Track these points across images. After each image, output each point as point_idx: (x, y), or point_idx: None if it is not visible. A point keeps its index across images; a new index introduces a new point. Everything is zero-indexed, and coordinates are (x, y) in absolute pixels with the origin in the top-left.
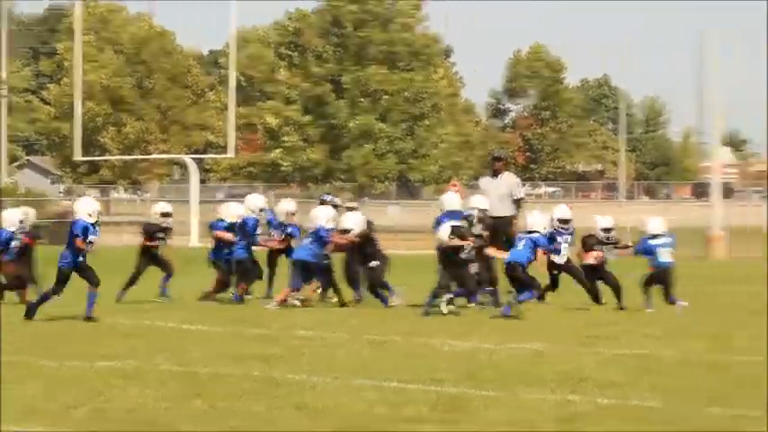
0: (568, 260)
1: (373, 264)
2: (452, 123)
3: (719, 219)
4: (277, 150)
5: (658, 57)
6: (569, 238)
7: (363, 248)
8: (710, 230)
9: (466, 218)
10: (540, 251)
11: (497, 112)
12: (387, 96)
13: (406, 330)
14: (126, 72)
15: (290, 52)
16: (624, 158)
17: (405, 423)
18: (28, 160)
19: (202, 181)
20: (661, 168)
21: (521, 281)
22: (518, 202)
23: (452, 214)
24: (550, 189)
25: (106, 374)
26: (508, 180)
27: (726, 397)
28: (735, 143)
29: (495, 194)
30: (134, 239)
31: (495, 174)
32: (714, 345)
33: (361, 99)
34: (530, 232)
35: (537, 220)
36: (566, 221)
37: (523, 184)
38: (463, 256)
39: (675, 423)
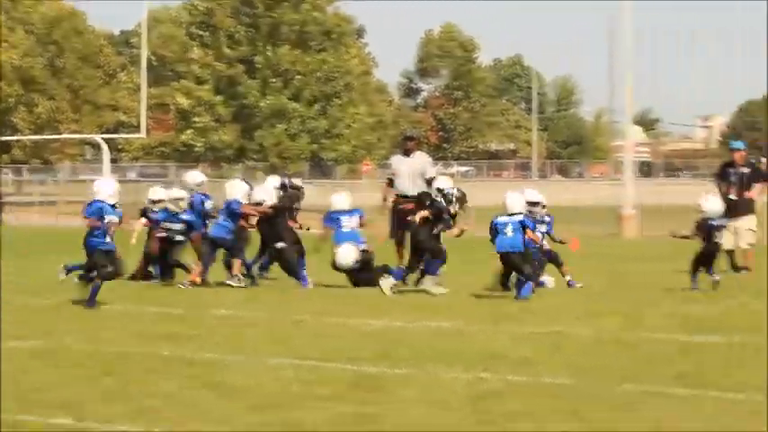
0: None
1: (280, 245)
2: (365, 103)
3: (631, 197)
4: (189, 131)
5: (570, 36)
6: (543, 226)
7: (274, 226)
8: (622, 209)
9: (444, 195)
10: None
11: (410, 92)
12: (299, 76)
13: (321, 309)
14: (37, 52)
15: (201, 32)
16: (536, 138)
17: (321, 401)
18: None
19: (114, 161)
20: (573, 147)
21: (518, 268)
22: (430, 182)
23: None
24: (463, 168)
25: (16, 354)
26: (420, 159)
27: (637, 374)
28: (646, 122)
29: (406, 174)
30: (44, 219)
31: (407, 153)
32: (626, 323)
33: (273, 79)
34: (511, 215)
35: (516, 202)
36: (534, 204)
37: (436, 164)
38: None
39: (587, 400)
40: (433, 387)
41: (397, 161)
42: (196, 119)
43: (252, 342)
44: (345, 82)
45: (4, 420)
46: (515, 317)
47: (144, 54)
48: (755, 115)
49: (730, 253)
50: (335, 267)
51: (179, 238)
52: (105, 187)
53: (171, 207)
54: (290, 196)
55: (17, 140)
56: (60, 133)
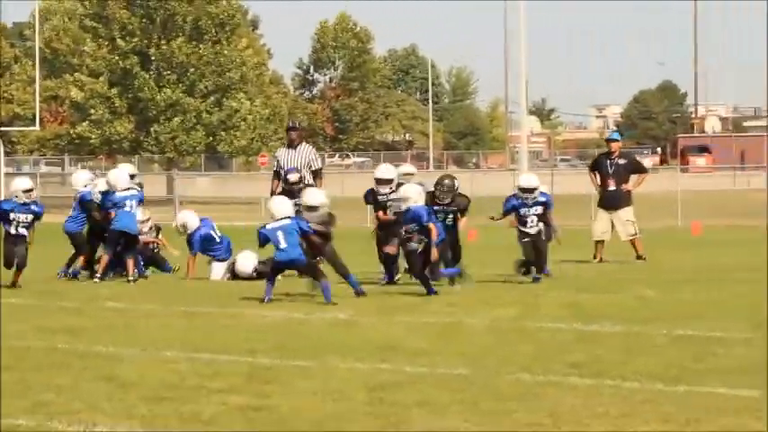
0: (539, 232)
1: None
2: (260, 95)
3: None
4: (84, 123)
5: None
6: (538, 208)
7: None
8: None
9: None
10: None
11: (305, 83)
12: (193, 69)
13: (220, 302)
14: None
15: (95, 24)
16: (433, 128)
17: (216, 394)
18: None
19: (8, 153)
20: (470, 138)
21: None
22: (317, 173)
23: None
24: (360, 159)
25: None
26: (305, 151)
27: (533, 363)
28: (542, 112)
29: (292, 165)
30: None
31: (291, 144)
32: (522, 312)
33: (168, 72)
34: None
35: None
36: (528, 190)
37: (333, 155)
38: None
39: (483, 390)
40: (329, 378)
41: (283, 154)
42: (91, 111)
43: (146, 335)
44: (240, 74)
45: None
46: (410, 308)
47: (37, 46)
48: (649, 105)
49: (601, 243)
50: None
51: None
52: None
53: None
54: None
55: None
56: None
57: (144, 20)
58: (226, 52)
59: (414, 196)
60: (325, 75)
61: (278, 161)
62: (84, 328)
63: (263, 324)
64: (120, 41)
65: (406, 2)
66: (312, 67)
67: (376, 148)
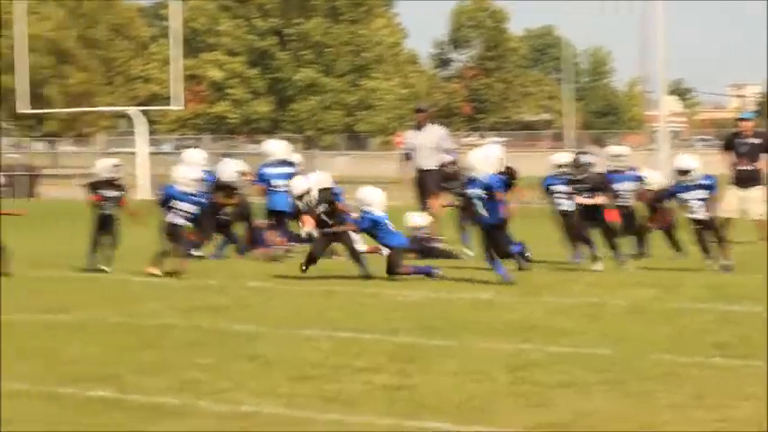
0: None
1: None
2: (397, 74)
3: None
4: (223, 103)
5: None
6: (700, 192)
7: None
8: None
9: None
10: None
11: (442, 63)
12: (330, 49)
13: (354, 281)
14: (69, 24)
15: (231, 3)
16: (570, 108)
17: (359, 373)
18: None
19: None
20: (608, 117)
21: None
22: (449, 153)
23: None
24: (498, 139)
25: (54, 327)
26: (434, 131)
27: (675, 344)
28: (679, 92)
29: (421, 147)
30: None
31: (420, 126)
32: (663, 293)
33: (305, 51)
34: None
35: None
36: (684, 172)
37: (468, 134)
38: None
39: (625, 370)
40: (471, 358)
41: (411, 135)
42: (230, 90)
43: (287, 313)
44: (377, 53)
45: (45, 393)
46: (551, 288)
47: (179, 24)
48: None
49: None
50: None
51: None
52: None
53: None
54: None
55: (49, 113)
56: (94, 105)
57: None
58: (362, 31)
59: (478, 165)
60: (462, 54)
61: (407, 143)
62: (225, 307)
63: (404, 303)
64: (257, 21)
65: None
66: (449, 47)
67: (513, 128)
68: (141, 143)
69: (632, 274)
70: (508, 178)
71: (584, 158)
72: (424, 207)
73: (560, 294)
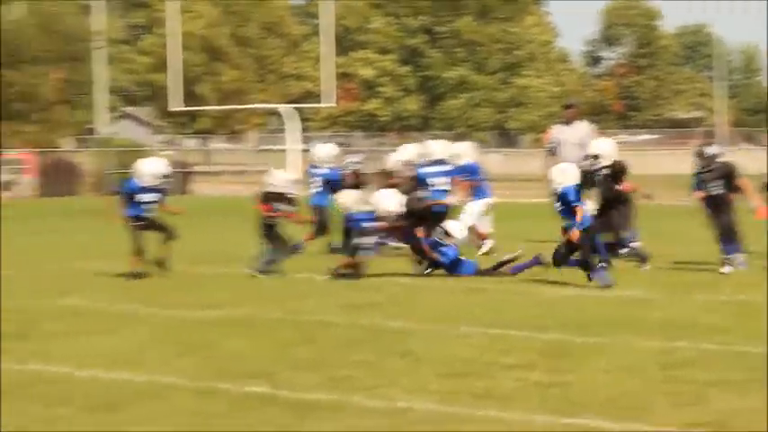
0: None
1: None
2: (548, 72)
3: None
4: (375, 100)
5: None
6: None
7: None
8: None
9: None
10: None
11: (593, 61)
12: (481, 47)
13: (500, 279)
14: (221, 22)
15: (382, 1)
16: (722, 105)
17: (511, 370)
18: (127, 111)
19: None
20: (760, 115)
21: None
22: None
23: None
24: (649, 136)
25: (213, 323)
26: (581, 128)
27: None
28: None
29: (568, 143)
30: (233, 188)
31: (568, 122)
32: None
33: (456, 50)
34: None
35: None
36: None
37: (619, 132)
38: None
39: None
40: (623, 355)
41: (558, 131)
42: (381, 89)
43: (439, 310)
44: (528, 51)
45: (202, 388)
46: (704, 285)
47: (331, 23)
48: None
49: None
50: None
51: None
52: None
53: None
54: None
55: (202, 110)
56: (246, 103)
57: None
58: (513, 29)
59: (558, 177)
60: (613, 51)
61: (552, 138)
62: (381, 304)
63: (553, 300)
64: (408, 19)
65: None
66: (600, 45)
67: (664, 126)
68: (292, 140)
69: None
70: (615, 172)
71: (710, 150)
72: None
73: (711, 292)
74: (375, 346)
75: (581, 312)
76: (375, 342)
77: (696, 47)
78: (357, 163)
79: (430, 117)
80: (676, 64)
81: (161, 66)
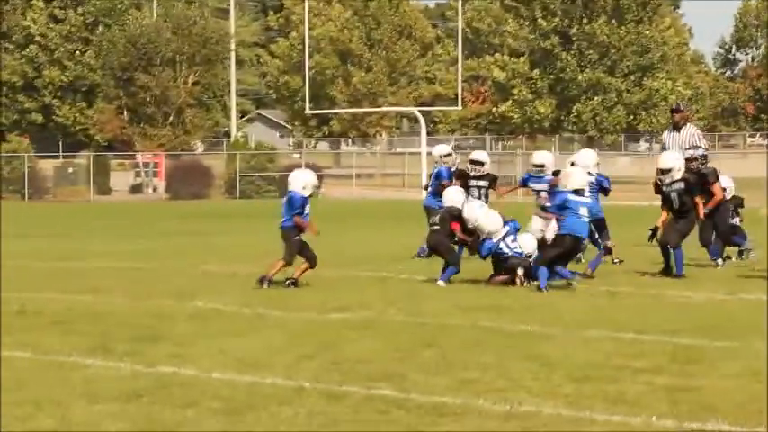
0: None
1: None
2: (681, 75)
3: None
4: (507, 103)
5: None
6: None
7: None
8: None
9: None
10: None
11: (726, 63)
12: (614, 49)
13: (638, 281)
14: (354, 25)
15: (516, 4)
16: None
17: (641, 374)
18: (258, 114)
19: (429, 133)
20: None
21: None
22: (704, 156)
23: None
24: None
25: (339, 326)
26: (689, 132)
27: None
28: None
29: (676, 148)
30: (363, 191)
31: (676, 127)
32: None
33: (590, 52)
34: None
35: None
36: None
37: (753, 135)
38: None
39: None
40: (754, 359)
41: (668, 136)
42: (514, 91)
43: (569, 313)
44: (661, 53)
45: (328, 391)
46: None
47: (460, 26)
48: None
49: None
50: None
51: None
52: (302, 178)
53: None
54: None
55: (335, 113)
56: (377, 106)
57: (566, 0)
58: (647, 32)
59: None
60: (747, 54)
61: (663, 143)
62: (507, 307)
63: (686, 304)
64: (541, 21)
65: None
66: (734, 47)
67: None
68: (423, 144)
69: None
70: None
71: None
72: None
73: None
74: (503, 349)
75: (713, 316)
76: (503, 345)
77: None
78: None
79: (562, 120)
80: None
81: (294, 68)
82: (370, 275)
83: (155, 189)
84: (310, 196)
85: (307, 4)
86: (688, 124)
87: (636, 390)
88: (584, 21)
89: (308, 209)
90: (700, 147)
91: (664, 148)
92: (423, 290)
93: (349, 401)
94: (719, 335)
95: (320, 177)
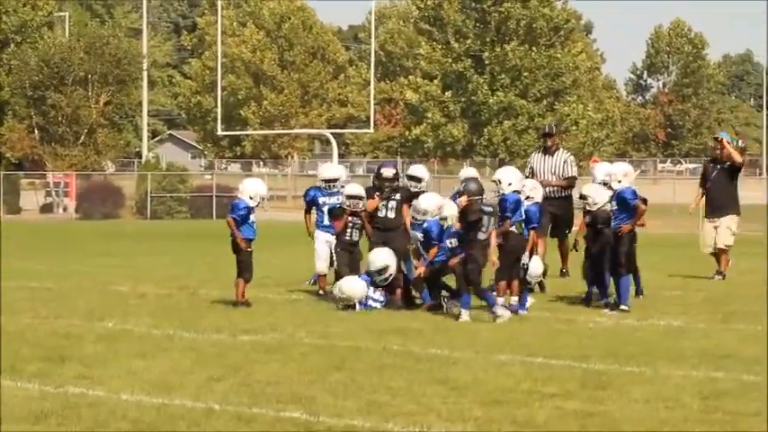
0: None
1: None
2: (593, 99)
3: None
4: (421, 126)
5: None
6: None
7: None
8: None
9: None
10: None
11: (638, 88)
12: (527, 73)
13: (549, 307)
14: (266, 46)
15: (429, 27)
16: (766, 135)
17: (550, 399)
18: (170, 134)
19: (341, 155)
20: None
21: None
22: (570, 181)
23: None
24: (691, 165)
25: (248, 348)
26: (561, 157)
27: None
28: None
29: (548, 174)
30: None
31: (547, 150)
32: None
33: (502, 75)
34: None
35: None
36: None
37: (664, 161)
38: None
39: None
40: (662, 385)
41: (537, 159)
42: (427, 114)
43: (479, 337)
44: (573, 78)
45: (238, 413)
46: (743, 316)
47: (373, 49)
48: None
49: None
50: None
51: None
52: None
53: None
54: None
55: (247, 135)
56: (290, 128)
57: (478, 23)
58: (559, 56)
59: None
60: (658, 80)
61: (531, 167)
62: (417, 330)
63: (595, 329)
64: (454, 44)
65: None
66: (646, 72)
67: (708, 155)
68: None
69: None
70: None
71: None
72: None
73: (752, 322)
74: (413, 373)
75: (623, 342)
76: (412, 369)
77: (742, 76)
78: None
79: (474, 143)
80: (721, 93)
81: (206, 89)
82: (280, 297)
83: (65, 209)
84: (257, 206)
85: (220, 24)
86: (560, 149)
87: (545, 414)
88: (497, 44)
89: (253, 218)
90: (571, 176)
91: (532, 172)
92: (333, 312)
93: (259, 424)
94: (629, 360)
95: (231, 199)
